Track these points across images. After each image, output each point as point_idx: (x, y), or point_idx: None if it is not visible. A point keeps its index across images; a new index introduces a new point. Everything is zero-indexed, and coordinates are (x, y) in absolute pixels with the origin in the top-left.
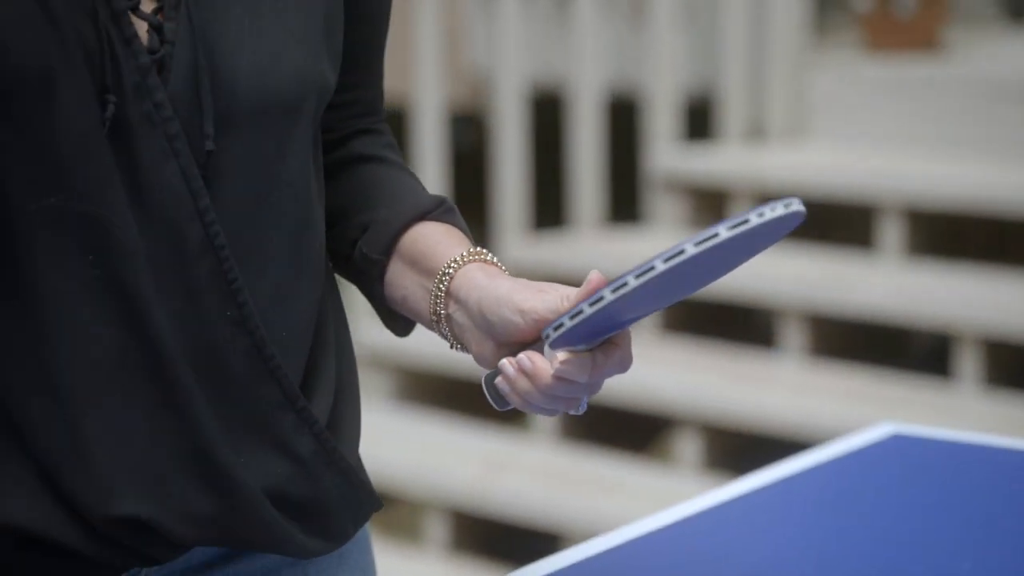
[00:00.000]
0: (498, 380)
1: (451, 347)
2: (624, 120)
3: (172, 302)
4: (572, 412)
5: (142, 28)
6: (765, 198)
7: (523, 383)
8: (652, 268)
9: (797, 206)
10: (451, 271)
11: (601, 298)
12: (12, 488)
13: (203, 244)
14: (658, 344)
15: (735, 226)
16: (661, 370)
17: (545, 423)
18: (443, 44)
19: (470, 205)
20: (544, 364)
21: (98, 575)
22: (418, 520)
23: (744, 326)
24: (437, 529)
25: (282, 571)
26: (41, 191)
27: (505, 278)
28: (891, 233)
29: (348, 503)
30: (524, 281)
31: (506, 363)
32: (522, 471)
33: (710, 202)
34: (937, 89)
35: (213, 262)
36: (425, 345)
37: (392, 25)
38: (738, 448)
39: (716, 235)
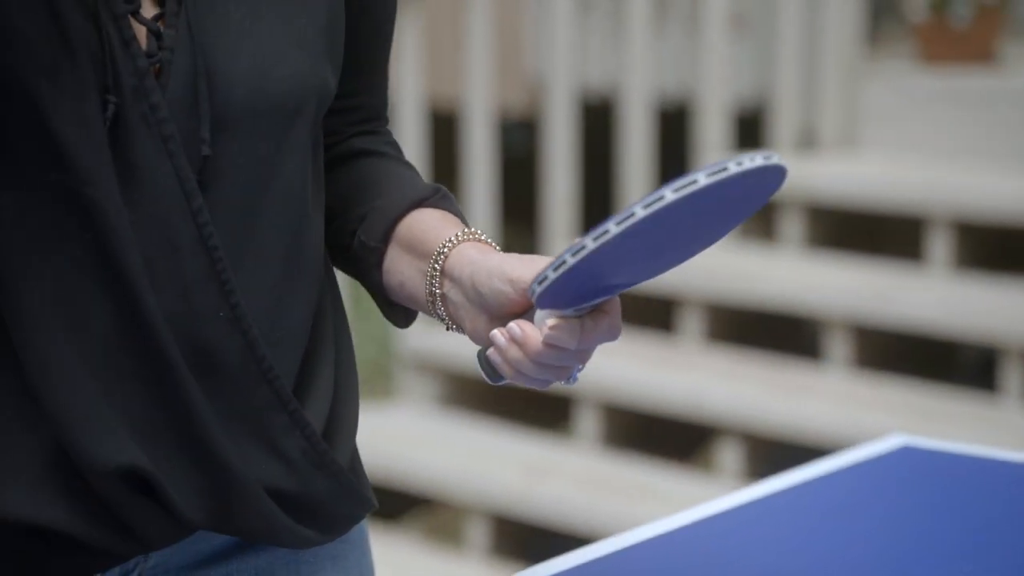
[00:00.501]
0: (490, 351)
1: (447, 328)
2: (675, 128)
3: (166, 299)
4: (564, 383)
5: (141, 32)
6: (815, 209)
7: (514, 351)
8: (632, 214)
9: (777, 160)
10: (446, 250)
11: (583, 247)
12: (16, 479)
13: (196, 244)
14: (703, 353)
15: (713, 173)
16: (705, 379)
17: (588, 429)
18: (497, 49)
19: (523, 210)
20: (534, 331)
21: (103, 563)
22: (460, 524)
23: (790, 336)
24: (478, 533)
25: (276, 572)
26: (42, 166)
27: (497, 253)
28: (940, 245)
29: (339, 504)
30: (515, 254)
31: (497, 333)
32: (564, 477)
33: (760, 213)
34: (991, 101)
35: (206, 262)
36: (470, 350)
37: (445, 29)
38: (780, 458)
39: (695, 181)
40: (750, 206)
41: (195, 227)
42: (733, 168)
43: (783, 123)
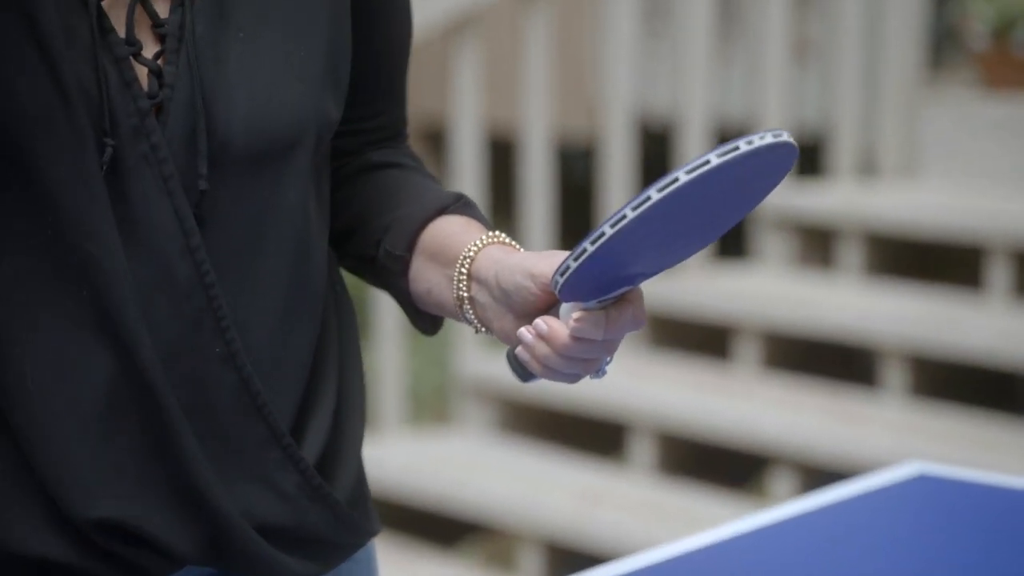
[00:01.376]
0: (518, 350)
1: (475, 331)
2: None
3: (161, 337)
4: (593, 376)
5: (142, 72)
6: (874, 238)
7: (541, 347)
8: (648, 198)
9: (787, 137)
10: (471, 254)
11: (602, 234)
12: (20, 518)
13: (193, 282)
14: (759, 381)
15: (725, 153)
16: (761, 407)
17: (643, 457)
18: (557, 74)
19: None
20: (560, 326)
21: None
22: (515, 550)
23: (847, 365)
24: (533, 560)
25: None
26: (36, 220)
27: (520, 252)
28: (1000, 274)
29: (335, 536)
30: (537, 252)
31: (523, 331)
32: (619, 504)
33: (819, 241)
34: None
35: (202, 300)
36: None
37: (504, 54)
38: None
39: (707, 162)
40: (763, 187)
41: (193, 264)
42: (744, 147)
43: (843, 150)
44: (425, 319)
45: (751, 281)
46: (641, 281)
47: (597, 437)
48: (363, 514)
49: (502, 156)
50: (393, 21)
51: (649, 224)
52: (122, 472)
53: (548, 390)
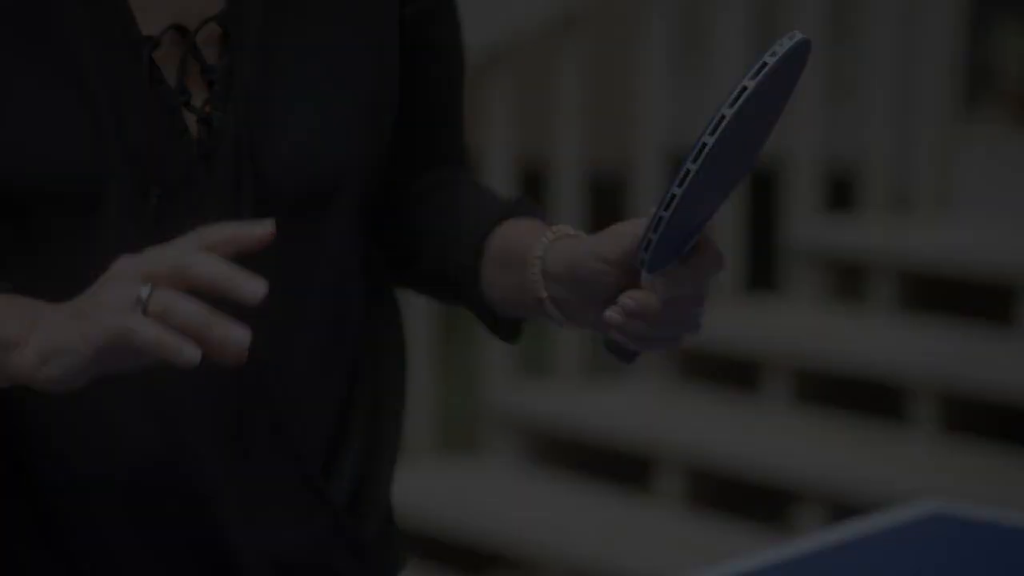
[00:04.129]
0: (613, 334)
1: (559, 326)
2: (763, 188)
3: (202, 384)
4: (692, 333)
5: (191, 120)
6: (906, 273)
7: (634, 324)
8: (704, 144)
9: (800, 35)
10: (541, 253)
11: (673, 196)
12: None
13: None
14: (788, 416)
15: (756, 74)
16: (790, 442)
17: (670, 490)
18: (590, 108)
19: None
20: (646, 295)
21: None
22: None
23: (878, 401)
24: None
25: None
26: (77, 284)
27: (586, 239)
28: None
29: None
30: (599, 233)
31: (611, 314)
32: (645, 537)
33: (850, 275)
34: None
35: None
36: (553, 407)
37: (536, 87)
38: None
39: (744, 88)
40: (787, 91)
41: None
42: (771, 60)
43: (876, 185)
44: (505, 327)
45: (781, 315)
46: (705, 224)
47: (624, 470)
48: (389, 552)
49: (534, 188)
50: (448, 53)
51: (707, 169)
52: (152, 544)
53: (577, 422)
